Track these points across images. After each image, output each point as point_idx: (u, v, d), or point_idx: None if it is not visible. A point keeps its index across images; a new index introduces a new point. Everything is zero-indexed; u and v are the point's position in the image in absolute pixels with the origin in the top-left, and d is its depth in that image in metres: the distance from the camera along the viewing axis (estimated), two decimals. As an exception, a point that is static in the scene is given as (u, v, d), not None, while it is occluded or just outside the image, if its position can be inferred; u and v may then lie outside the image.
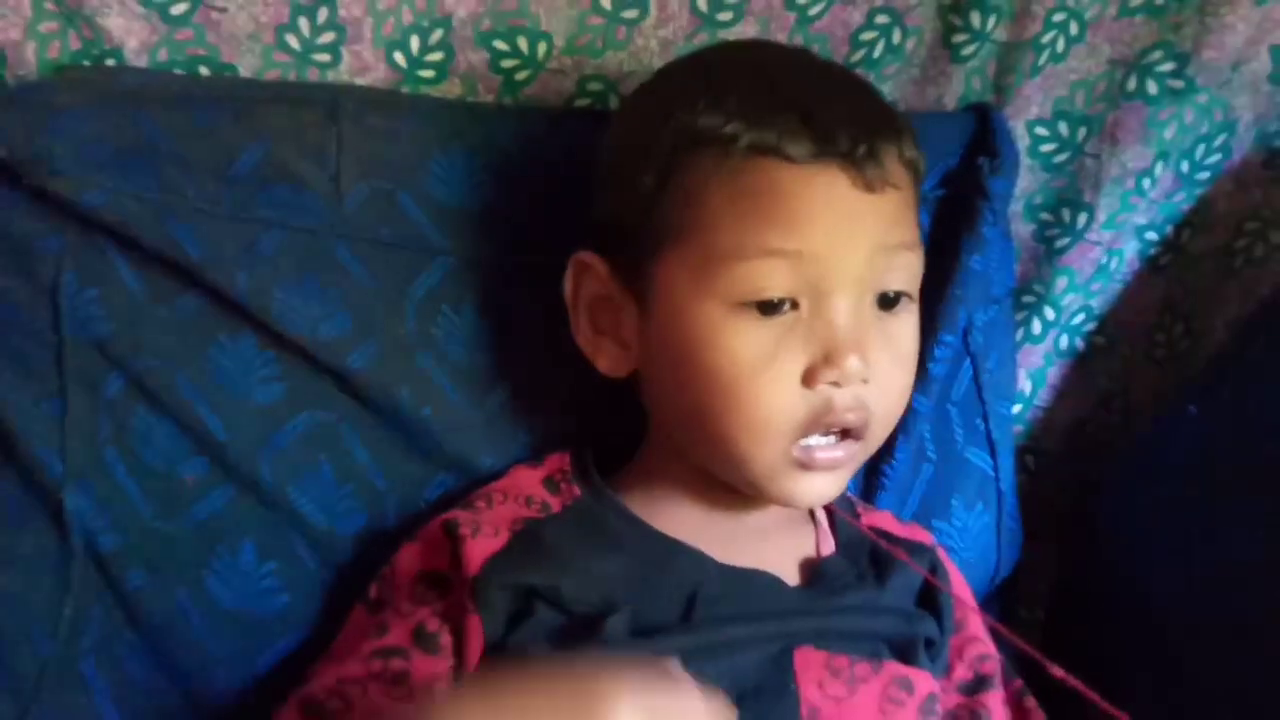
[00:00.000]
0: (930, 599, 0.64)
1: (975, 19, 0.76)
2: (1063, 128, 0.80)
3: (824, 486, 0.60)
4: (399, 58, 0.72)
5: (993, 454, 0.76)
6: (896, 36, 0.77)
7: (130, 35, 0.68)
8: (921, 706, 0.59)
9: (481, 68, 0.73)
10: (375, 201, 0.68)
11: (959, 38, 0.77)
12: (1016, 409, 0.82)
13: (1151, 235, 0.83)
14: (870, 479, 0.74)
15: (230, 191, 0.66)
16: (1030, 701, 0.66)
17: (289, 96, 0.69)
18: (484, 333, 0.69)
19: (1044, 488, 0.84)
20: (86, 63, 0.68)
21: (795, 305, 0.57)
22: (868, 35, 0.76)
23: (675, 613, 0.58)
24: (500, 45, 0.72)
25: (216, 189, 0.66)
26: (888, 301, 0.60)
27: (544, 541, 0.60)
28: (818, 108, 0.58)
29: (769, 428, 0.58)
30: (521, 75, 0.73)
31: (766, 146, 0.57)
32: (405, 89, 0.72)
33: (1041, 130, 0.80)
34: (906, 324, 0.61)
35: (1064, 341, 0.84)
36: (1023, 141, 0.79)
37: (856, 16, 0.76)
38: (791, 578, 0.62)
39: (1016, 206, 0.80)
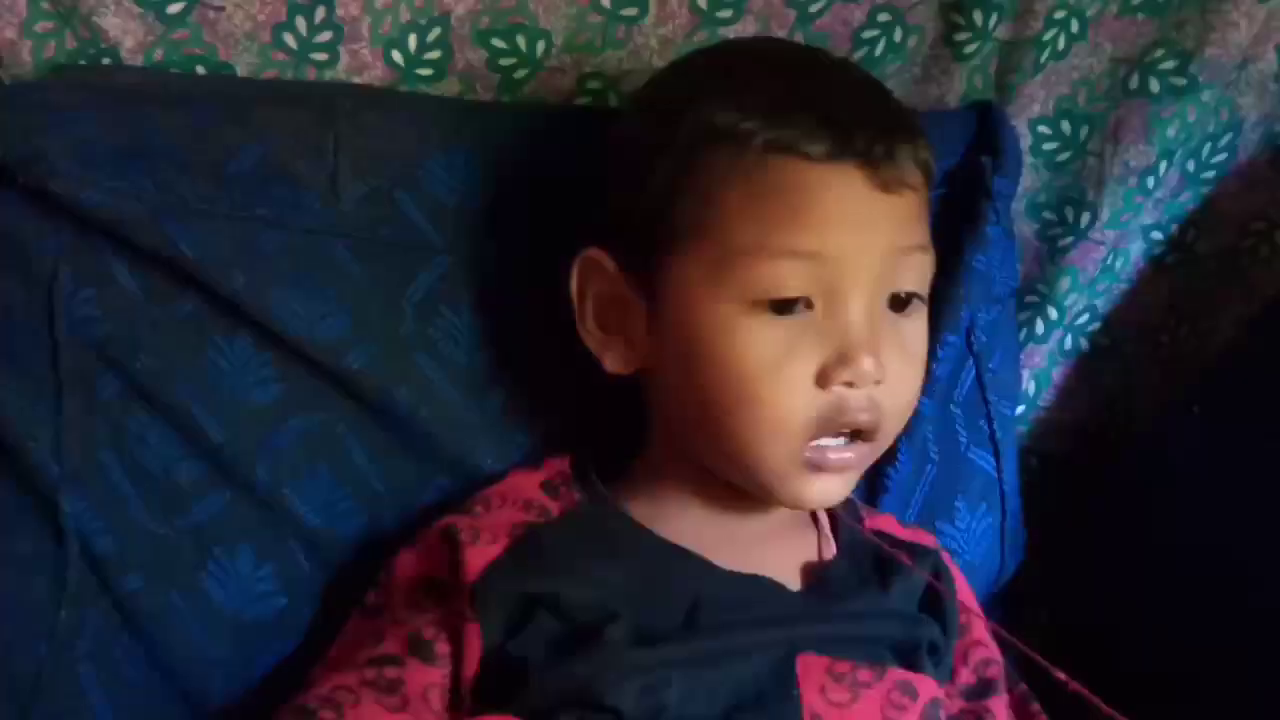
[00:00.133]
0: (934, 603, 0.64)
1: (977, 17, 0.76)
2: (1065, 126, 0.79)
3: (834, 488, 0.60)
4: (397, 56, 0.71)
5: (996, 455, 0.76)
6: (898, 35, 0.76)
7: (127, 34, 0.68)
8: (924, 712, 0.58)
9: (480, 66, 0.72)
10: (373, 201, 0.67)
11: (961, 36, 0.77)
12: (1020, 410, 0.82)
13: (1157, 235, 0.83)
14: (873, 481, 0.73)
15: (228, 191, 0.66)
16: (1035, 706, 0.66)
17: (286, 96, 0.69)
18: (483, 333, 0.68)
19: (1047, 488, 0.84)
20: (83, 62, 0.68)
21: (810, 305, 0.57)
22: (869, 33, 0.76)
23: (677, 620, 0.57)
24: (499, 43, 0.72)
25: (214, 189, 0.65)
26: (899, 302, 0.59)
27: (544, 548, 0.59)
28: (836, 107, 0.58)
29: (782, 428, 0.57)
30: (520, 73, 0.73)
31: (784, 145, 0.57)
32: (403, 88, 0.72)
33: (1044, 129, 0.80)
34: (917, 325, 0.61)
35: (1068, 342, 0.84)
36: (1025, 140, 0.79)
37: (858, 14, 0.76)
38: (793, 583, 0.61)
39: (1019, 205, 0.80)
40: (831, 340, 0.57)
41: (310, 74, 0.71)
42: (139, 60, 0.68)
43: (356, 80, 0.71)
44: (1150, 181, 0.79)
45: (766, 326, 0.57)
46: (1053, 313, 0.81)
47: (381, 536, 0.66)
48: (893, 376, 0.58)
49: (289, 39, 0.70)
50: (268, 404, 0.65)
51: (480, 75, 0.73)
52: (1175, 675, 0.71)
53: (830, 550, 0.64)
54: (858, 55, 0.76)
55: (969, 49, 0.77)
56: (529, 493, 0.63)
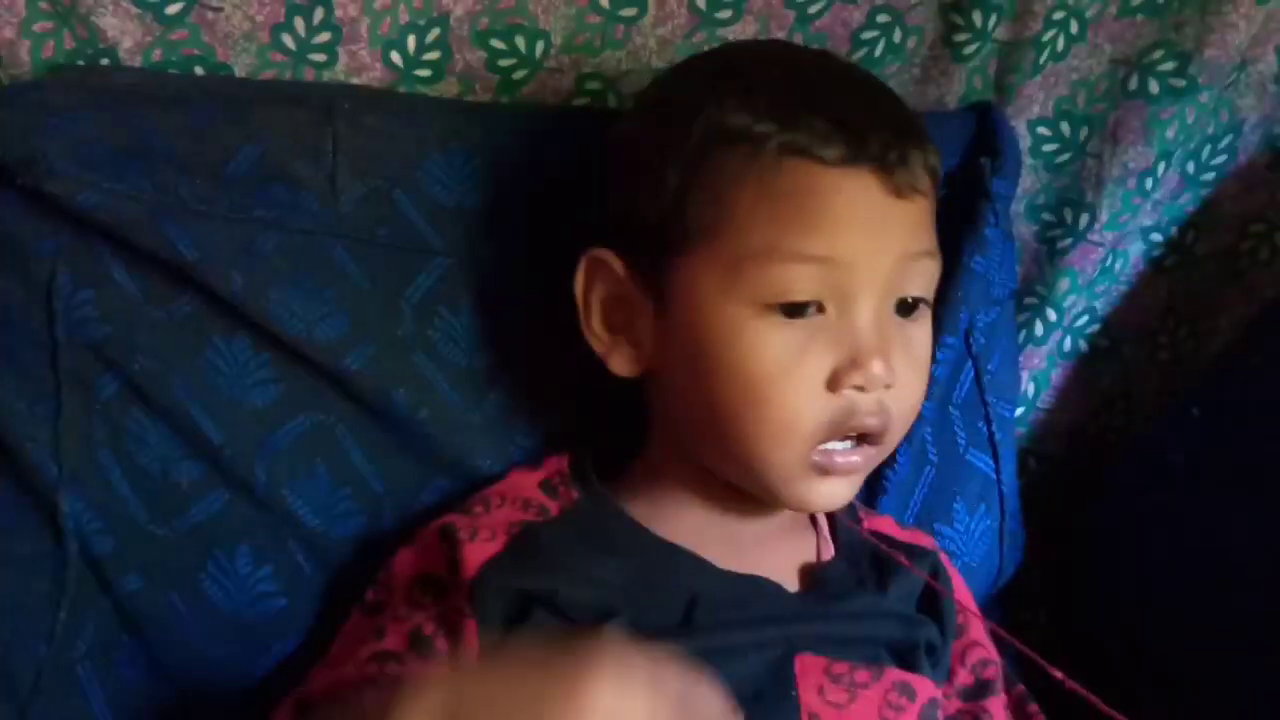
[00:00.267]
0: (932, 604, 0.64)
1: (976, 18, 0.76)
2: (1064, 127, 0.79)
3: (839, 491, 0.60)
4: (396, 57, 0.71)
5: (995, 456, 0.76)
6: (897, 35, 0.76)
7: (125, 35, 0.68)
8: (922, 712, 0.58)
9: (479, 67, 0.72)
10: (372, 201, 0.67)
11: (960, 37, 0.77)
12: (1019, 411, 0.82)
13: (1156, 236, 0.83)
14: (872, 483, 0.73)
15: (226, 192, 0.66)
16: (1032, 707, 0.66)
17: (285, 96, 0.69)
18: (482, 334, 0.68)
19: (1046, 490, 0.84)
20: (81, 62, 0.68)
21: (821, 308, 0.57)
22: (869, 34, 0.76)
23: (675, 617, 0.57)
24: (498, 44, 0.72)
25: (212, 189, 0.65)
26: (906, 307, 0.59)
27: (542, 545, 0.59)
28: (849, 111, 0.58)
29: (791, 430, 0.57)
30: (519, 74, 0.73)
31: (799, 148, 0.57)
32: (402, 88, 0.72)
33: (1043, 130, 0.80)
34: (923, 329, 0.61)
35: (1067, 343, 0.84)
36: (1024, 141, 0.79)
37: (857, 15, 0.75)
38: (792, 583, 0.62)
39: (1018, 207, 0.80)
40: (842, 344, 0.57)
41: (309, 75, 0.71)
42: (137, 60, 0.68)
43: (355, 81, 0.71)
44: (1149, 183, 0.79)
45: (777, 329, 0.57)
46: (1052, 314, 0.81)
47: (380, 537, 0.66)
48: (900, 381, 0.58)
49: (287, 40, 0.70)
50: (266, 405, 0.65)
51: (479, 76, 0.73)
52: (1173, 677, 0.71)
53: (828, 551, 0.64)
54: (857, 56, 0.76)
55: (968, 50, 0.77)
56: (528, 492, 0.63)
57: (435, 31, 0.71)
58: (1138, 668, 0.72)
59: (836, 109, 0.57)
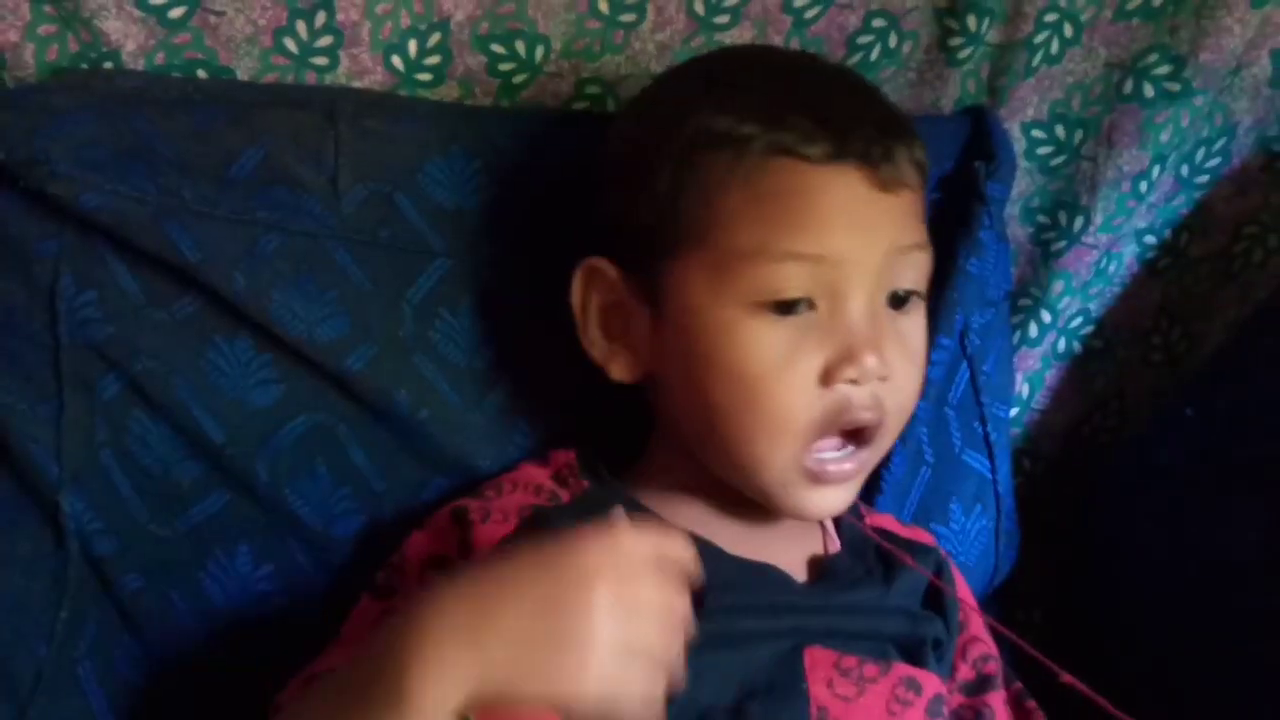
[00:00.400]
0: (937, 600, 0.64)
1: (970, 21, 0.76)
2: (1059, 130, 0.80)
3: (835, 498, 0.60)
4: (397, 61, 0.72)
5: (990, 457, 0.76)
6: (893, 40, 0.77)
7: (128, 38, 0.68)
8: (928, 708, 0.59)
9: (479, 71, 0.73)
10: (373, 204, 0.68)
11: (955, 41, 0.77)
12: (1014, 412, 0.82)
13: (1150, 239, 0.83)
14: (868, 483, 0.73)
15: (228, 194, 0.66)
16: (1031, 703, 0.66)
17: (287, 99, 0.69)
18: (482, 335, 0.69)
19: (1041, 491, 0.84)
20: (84, 65, 0.68)
21: (812, 305, 0.58)
22: (864, 39, 0.76)
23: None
24: (498, 49, 0.72)
25: (214, 191, 0.66)
26: (899, 300, 0.60)
27: (553, 527, 0.59)
28: (833, 109, 0.58)
29: (786, 428, 0.58)
30: (519, 78, 0.73)
31: (784, 147, 0.57)
32: (403, 92, 0.72)
33: (1038, 133, 0.80)
34: (916, 322, 0.61)
35: (1061, 345, 0.84)
36: (1019, 144, 0.79)
37: (853, 20, 0.76)
38: (799, 575, 0.62)
39: (1013, 209, 0.80)
40: (834, 339, 0.57)
41: (310, 78, 0.71)
42: (140, 63, 0.69)
43: (357, 85, 0.71)
44: (1143, 186, 0.79)
45: (769, 328, 0.57)
46: (1046, 316, 0.82)
47: (381, 537, 0.66)
48: (895, 373, 0.59)
49: (289, 44, 0.70)
50: (268, 405, 0.65)
51: (479, 80, 0.73)
52: (1168, 676, 0.71)
53: (834, 545, 0.65)
54: (853, 60, 0.77)
55: (962, 54, 0.78)
56: (540, 480, 0.64)
57: (436, 36, 0.71)
58: (1132, 667, 0.72)
59: (820, 108, 0.58)
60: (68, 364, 0.64)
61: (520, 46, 0.72)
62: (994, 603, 0.79)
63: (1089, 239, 0.80)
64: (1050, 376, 0.84)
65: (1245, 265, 0.83)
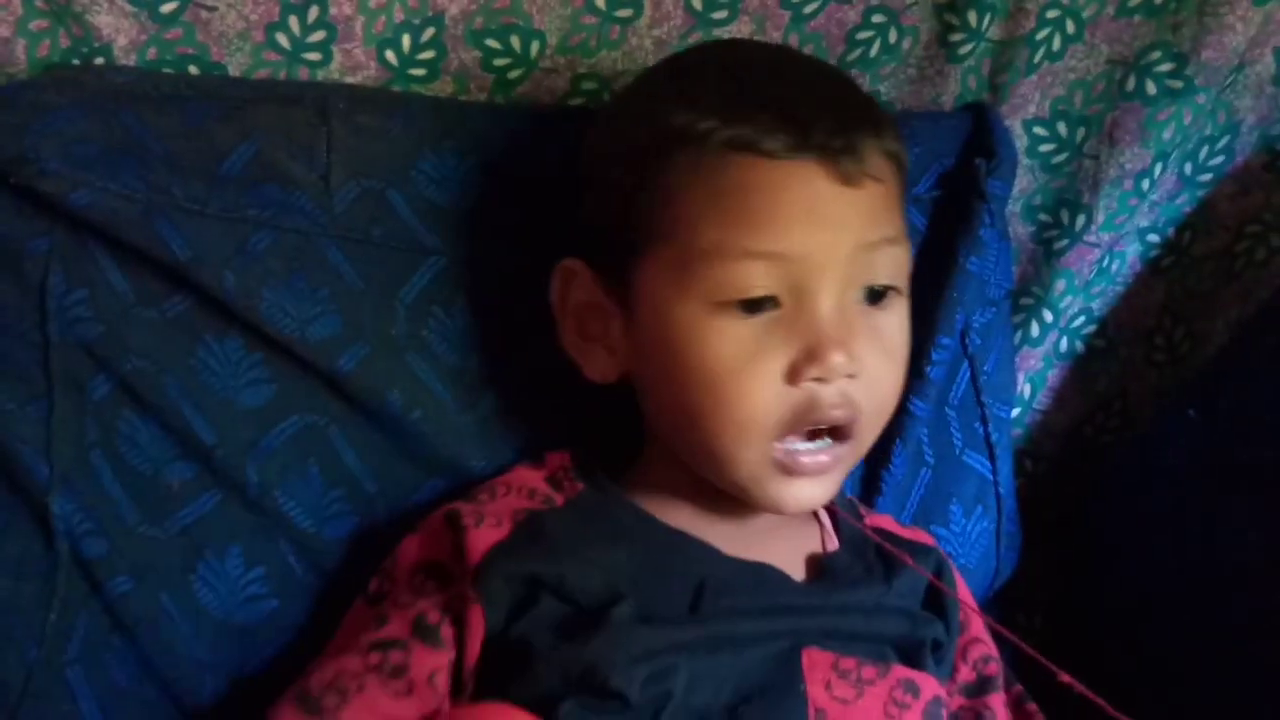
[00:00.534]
0: (937, 600, 0.64)
1: (971, 17, 0.76)
2: (1061, 128, 0.79)
3: (811, 492, 0.59)
4: (390, 56, 0.71)
5: (991, 458, 0.76)
6: (893, 36, 0.76)
7: (119, 33, 0.67)
8: (926, 710, 0.58)
9: (474, 66, 0.72)
10: (365, 201, 0.67)
11: (955, 37, 0.77)
12: (1015, 412, 0.82)
13: (1153, 237, 0.83)
14: (868, 484, 0.73)
15: (219, 191, 0.65)
16: (1031, 706, 0.66)
17: (279, 95, 0.69)
18: (475, 334, 0.68)
19: (1043, 491, 0.84)
20: (76, 61, 0.68)
21: (778, 303, 0.57)
22: (864, 34, 0.76)
23: (683, 603, 0.57)
24: (492, 44, 0.72)
25: (205, 189, 0.65)
26: (875, 295, 0.59)
27: (548, 531, 0.59)
28: (793, 102, 0.57)
29: (751, 426, 0.57)
30: (514, 74, 0.73)
31: (742, 142, 0.56)
32: (397, 88, 0.72)
33: (1040, 130, 0.80)
34: (895, 317, 0.60)
35: (1063, 344, 0.83)
36: (1021, 141, 0.79)
37: (852, 15, 0.76)
38: (798, 573, 0.61)
39: (1014, 207, 0.80)
40: (801, 336, 0.57)
41: (303, 74, 0.70)
42: (132, 59, 0.68)
43: (350, 80, 0.71)
44: (1145, 184, 0.79)
45: (734, 326, 0.57)
46: (1048, 315, 0.81)
47: (373, 539, 0.65)
48: (869, 370, 0.58)
49: (282, 39, 0.69)
50: (259, 405, 0.65)
51: (474, 75, 0.72)
52: (1169, 677, 0.71)
53: (833, 543, 0.64)
54: (852, 56, 0.76)
55: (963, 50, 0.77)
56: (534, 483, 0.64)
57: (430, 31, 0.71)
58: (1133, 667, 0.72)
59: (781, 101, 0.57)
60: (58, 363, 0.63)
61: (515, 42, 0.72)
62: (994, 606, 0.79)
63: (1091, 237, 0.80)
64: (1052, 376, 0.84)
65: (1248, 264, 0.83)
